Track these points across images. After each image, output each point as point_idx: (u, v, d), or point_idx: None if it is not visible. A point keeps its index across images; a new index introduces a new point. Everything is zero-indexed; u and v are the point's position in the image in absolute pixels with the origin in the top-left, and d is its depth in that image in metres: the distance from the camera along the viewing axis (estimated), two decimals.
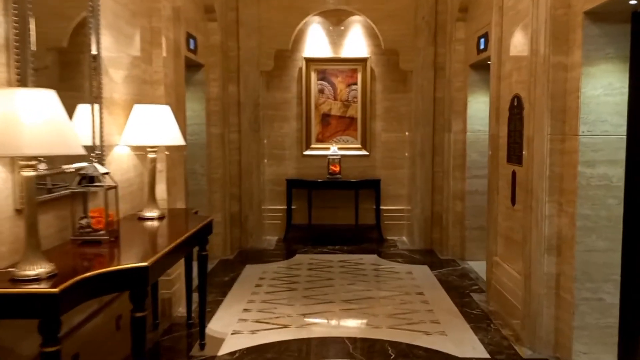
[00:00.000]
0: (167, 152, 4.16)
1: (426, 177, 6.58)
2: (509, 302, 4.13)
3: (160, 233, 3.35)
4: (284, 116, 7.24)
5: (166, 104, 4.15)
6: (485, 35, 5.20)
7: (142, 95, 3.92)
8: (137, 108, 3.49)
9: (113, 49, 3.43)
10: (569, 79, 3.41)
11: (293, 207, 7.23)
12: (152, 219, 3.48)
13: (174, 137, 3.55)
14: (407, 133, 7.07)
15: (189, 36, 5.21)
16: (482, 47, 5.32)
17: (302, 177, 7.11)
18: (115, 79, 3.46)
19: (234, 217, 6.62)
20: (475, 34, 5.58)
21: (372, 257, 6.22)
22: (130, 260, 2.46)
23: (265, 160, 7.15)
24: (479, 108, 5.88)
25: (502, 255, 4.44)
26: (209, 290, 4.88)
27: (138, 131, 3.42)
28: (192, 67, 5.74)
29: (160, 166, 4.16)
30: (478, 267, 5.71)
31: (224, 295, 4.85)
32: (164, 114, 3.54)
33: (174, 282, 4.33)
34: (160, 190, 4.17)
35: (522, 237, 3.84)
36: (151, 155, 3.54)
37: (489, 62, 5.33)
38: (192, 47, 5.29)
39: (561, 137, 3.46)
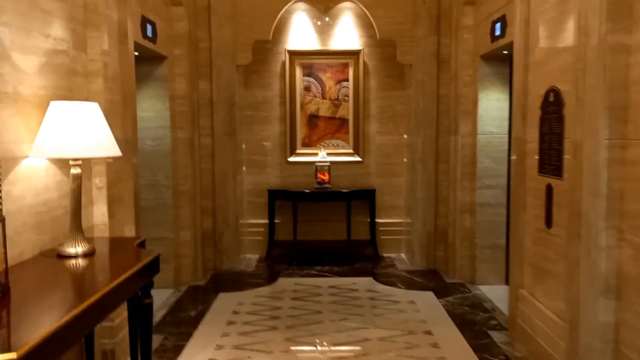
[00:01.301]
0: (110, 160, 3.26)
1: (428, 187, 5.72)
2: (544, 351, 3.26)
3: (75, 284, 2.42)
4: (265, 117, 6.35)
5: (106, 101, 3.24)
6: (502, 19, 4.34)
7: (70, 90, 3.01)
8: (55, 106, 2.57)
9: (18, 26, 2.51)
10: (633, 64, 2.55)
11: (276, 221, 6.34)
12: (75, 256, 2.57)
13: (103, 145, 2.64)
14: (405, 136, 6.20)
15: (145, 20, 4.30)
16: (497, 33, 4.46)
17: (286, 187, 6.21)
18: (23, 68, 2.55)
19: (206, 235, 5.71)
20: (487, 18, 4.72)
21: (367, 281, 5.33)
22: None
23: (244, 169, 6.24)
24: (491, 106, 5.03)
25: (530, 288, 3.57)
26: (170, 331, 4.03)
27: (53, 138, 2.50)
28: (151, 59, 4.84)
29: (100, 181, 3.25)
30: (492, 293, 4.85)
31: (188, 337, 3.94)
32: (91, 114, 2.62)
33: (119, 328, 3.41)
34: (99, 213, 3.27)
35: (566, 271, 2.97)
36: (74, 171, 2.62)
37: (505, 52, 4.49)
38: (149, 34, 4.38)
39: (622, 143, 2.60)
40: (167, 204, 5.00)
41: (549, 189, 3.23)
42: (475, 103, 5.10)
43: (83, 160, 2.81)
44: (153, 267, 2.70)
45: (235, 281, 5.36)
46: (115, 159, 3.24)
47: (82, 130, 2.55)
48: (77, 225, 2.62)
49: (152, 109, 4.94)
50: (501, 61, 4.96)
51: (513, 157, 3.84)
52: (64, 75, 2.93)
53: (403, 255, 6.33)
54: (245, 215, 6.32)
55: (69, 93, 2.99)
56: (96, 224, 3.26)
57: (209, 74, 5.62)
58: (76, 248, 2.59)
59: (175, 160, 5.08)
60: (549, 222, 3.25)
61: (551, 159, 3.19)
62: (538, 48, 3.41)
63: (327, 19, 6.23)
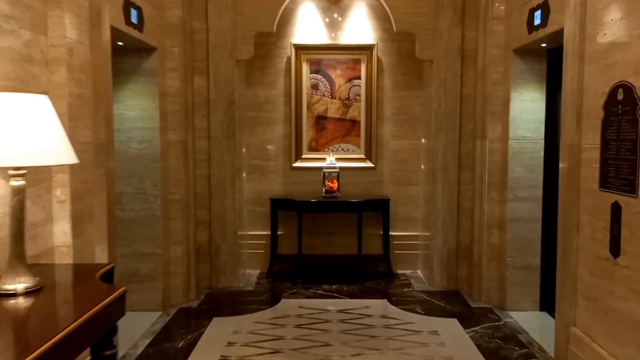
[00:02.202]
0: (75, 163, 2.67)
1: (450, 198, 5.09)
2: None
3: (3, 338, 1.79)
4: (268, 118, 5.74)
5: (72, 95, 2.65)
6: (544, 5, 3.72)
7: (23, 81, 2.41)
8: None
9: None
10: None
11: (279, 232, 5.74)
12: (13, 294, 1.97)
13: (53, 150, 2.03)
14: (423, 140, 5.59)
15: (129, 4, 3.71)
16: (537, 22, 3.84)
17: (291, 196, 5.60)
18: None
19: (201, 249, 5.11)
20: (523, 6, 4.10)
21: (381, 304, 4.71)
22: None
23: (244, 175, 5.64)
24: (525, 108, 4.41)
25: (587, 328, 2.95)
26: None
27: None
28: (138, 50, 4.25)
29: (62, 193, 2.65)
30: (527, 322, 4.23)
31: None
32: (38, 110, 2.02)
33: None
34: (61, 232, 2.67)
35: None
36: (15, 183, 2.02)
37: (543, 45, 3.87)
38: (134, 19, 3.79)
39: None
40: (156, 215, 4.40)
41: (616, 209, 2.61)
42: (506, 104, 4.48)
43: (35, 168, 2.22)
44: (116, 309, 2.08)
45: (232, 302, 4.75)
46: (82, 165, 2.65)
47: (25, 131, 1.95)
48: (18, 252, 2.02)
49: (139, 108, 4.35)
50: (537, 56, 4.34)
51: (562, 166, 3.22)
52: (12, 63, 2.34)
53: (419, 272, 5.71)
54: (246, 226, 5.72)
55: (22, 85, 2.40)
56: (57, 245, 2.67)
57: (205, 69, 5.03)
58: (15, 284, 1.98)
59: (165, 166, 4.48)
60: (615, 249, 2.63)
61: (620, 172, 2.57)
62: (601, 35, 2.79)
63: (337, 11, 5.62)
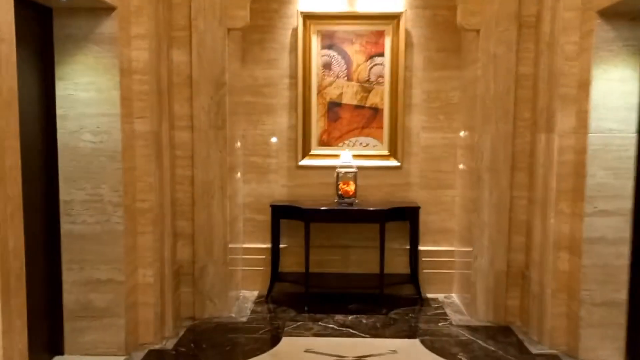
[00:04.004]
0: None
1: (500, 207, 3.97)
2: None
3: None
4: (269, 105, 4.64)
5: None
6: None
7: None
8: None
9: None
10: None
11: (282, 246, 4.66)
12: None
13: None
14: (463, 133, 4.46)
15: None
16: None
17: (297, 202, 4.50)
18: None
19: (181, 270, 4.04)
20: None
21: (412, 347, 3.62)
22: None
23: (238, 175, 4.54)
24: (612, 90, 3.27)
25: None
26: None
27: None
28: (91, 10, 3.15)
29: None
30: None
31: None
32: None
33: None
34: None
35: None
36: None
37: None
38: None
39: None
40: (116, 229, 3.32)
41: None
42: (583, 85, 3.34)
43: None
44: None
45: (218, 342, 3.68)
46: None
47: None
48: None
49: (93, 87, 3.26)
50: (631, 20, 3.20)
51: None
52: None
53: (455, 297, 4.59)
54: (241, 238, 4.64)
55: None
56: None
57: (186, 40, 3.93)
58: None
59: (129, 166, 3.40)
60: None
61: None
62: None
63: None
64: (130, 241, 3.42)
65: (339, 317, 4.09)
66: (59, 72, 3.25)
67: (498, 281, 4.03)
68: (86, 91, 3.26)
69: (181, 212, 4.04)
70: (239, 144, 4.51)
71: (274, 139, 4.65)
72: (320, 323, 3.98)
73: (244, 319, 4.08)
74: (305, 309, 4.25)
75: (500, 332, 3.86)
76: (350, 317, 4.10)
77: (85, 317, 3.34)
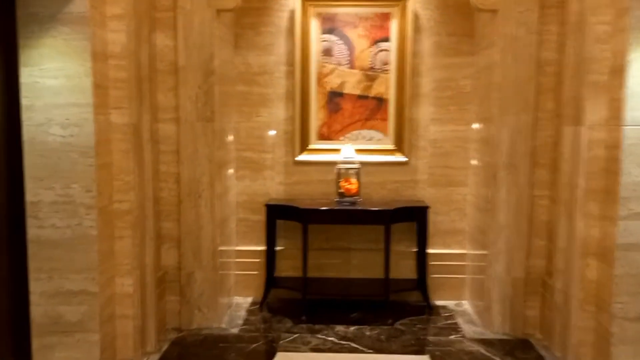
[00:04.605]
0: None
1: (518, 207, 3.59)
2: None
3: None
4: (264, 95, 4.25)
5: None
6: None
7: None
8: None
9: None
10: None
11: (278, 248, 4.29)
12: None
13: None
14: (476, 125, 4.06)
15: None
16: None
17: (294, 201, 4.13)
18: None
19: (166, 277, 3.67)
20: None
21: None
22: None
23: (230, 171, 4.16)
24: None
25: None
26: None
27: None
28: None
29: None
30: None
31: None
32: None
33: None
34: None
35: None
36: None
37: None
38: None
39: None
40: (89, 234, 2.94)
41: None
42: (617, 71, 2.94)
43: None
44: None
45: (206, 358, 3.31)
46: None
47: None
48: None
49: (62, 74, 2.87)
50: None
51: None
52: None
53: (466, 304, 4.22)
54: (234, 240, 4.27)
55: None
56: None
57: (171, 22, 3.55)
58: None
59: (104, 162, 3.02)
60: None
61: None
62: None
63: None
64: (105, 247, 3.05)
65: (340, 329, 3.72)
66: (23, 57, 2.85)
67: (516, 289, 3.65)
68: (54, 78, 2.87)
69: (166, 213, 3.67)
70: (230, 137, 4.12)
71: (271, 132, 4.26)
72: (319, 335, 3.61)
73: (236, 330, 3.71)
74: (303, 318, 3.88)
75: (519, 347, 3.49)
76: (352, 328, 3.73)
77: (55, 332, 2.97)
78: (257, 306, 4.14)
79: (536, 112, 3.54)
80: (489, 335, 3.65)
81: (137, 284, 3.22)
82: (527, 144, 3.55)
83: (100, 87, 2.95)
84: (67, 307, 2.97)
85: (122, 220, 3.15)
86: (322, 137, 4.27)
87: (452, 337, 3.63)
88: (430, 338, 3.61)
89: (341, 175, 4.08)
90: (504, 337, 3.62)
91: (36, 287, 2.96)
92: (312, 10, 4.13)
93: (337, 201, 4.06)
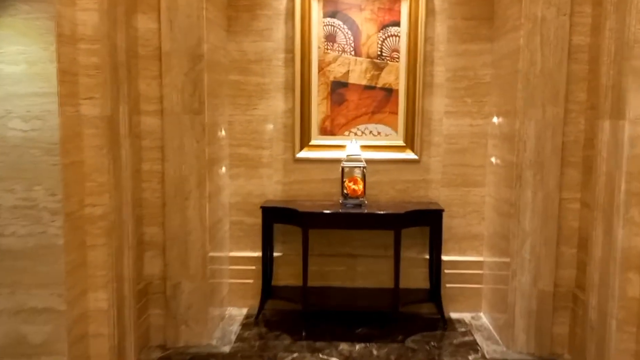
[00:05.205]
0: None
1: (546, 211, 3.18)
2: None
3: None
4: (260, 86, 3.85)
5: None
6: None
7: None
8: None
9: None
10: None
11: (276, 254, 3.90)
12: None
13: None
14: (496, 119, 3.65)
15: None
16: None
17: (293, 203, 3.74)
18: None
19: (151, 287, 3.29)
20: None
21: None
22: None
23: (223, 170, 3.76)
24: None
25: None
26: None
27: None
28: None
29: None
30: None
31: None
32: None
33: None
34: None
35: None
36: None
37: None
38: None
39: None
40: (55, 243, 2.55)
41: None
42: None
43: None
44: None
45: None
46: None
47: None
48: None
49: (23, 59, 2.48)
50: None
51: None
52: None
53: (484, 317, 3.82)
54: (227, 245, 3.88)
55: None
56: None
57: (154, 1, 3.15)
58: None
59: (74, 160, 2.63)
60: None
61: None
62: None
63: None
64: (75, 257, 2.66)
65: (344, 347, 3.33)
66: None
67: (542, 303, 3.25)
68: (14, 64, 2.48)
69: (149, 217, 3.28)
70: (223, 132, 3.72)
71: (270, 126, 3.86)
72: (321, 355, 3.22)
73: (227, 349, 3.32)
74: (303, 333, 3.49)
75: None
76: (357, 347, 3.33)
77: (17, 355, 2.60)
78: (253, 319, 3.75)
79: (566, 104, 3.12)
80: (511, 355, 3.24)
81: (113, 299, 2.83)
82: (556, 140, 3.14)
83: (68, 74, 2.56)
84: (31, 326, 2.59)
85: (95, 227, 2.76)
86: (325, 132, 3.86)
87: (470, 357, 3.22)
88: (446, 358, 3.21)
89: (346, 174, 3.68)
90: (529, 357, 3.21)
91: None
92: None
93: (341, 203, 3.67)
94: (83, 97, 2.68)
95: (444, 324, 3.69)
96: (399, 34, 3.75)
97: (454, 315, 3.85)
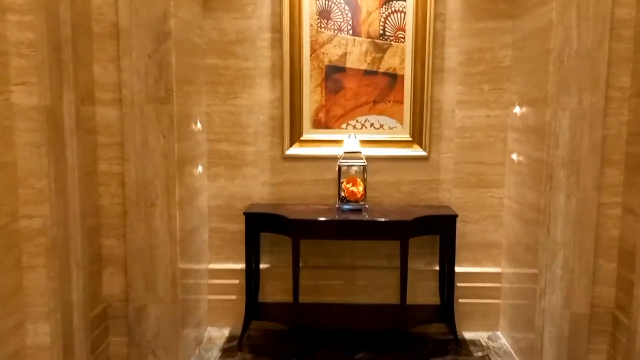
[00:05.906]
0: None
1: (582, 219, 2.66)
2: None
3: None
4: (243, 70, 3.31)
5: None
6: None
7: None
8: None
9: None
10: None
11: (262, 267, 3.38)
12: None
13: None
14: (519, 109, 3.12)
15: None
16: None
17: (282, 209, 3.21)
18: None
19: (109, 311, 2.76)
20: None
21: None
22: None
23: (199, 169, 3.22)
24: None
25: None
26: None
27: None
28: None
29: None
30: None
31: None
32: None
33: None
34: None
35: None
36: None
37: None
38: None
39: None
40: None
41: None
42: None
43: None
44: None
45: None
46: None
47: None
48: None
49: None
50: None
51: None
52: None
53: (502, 337, 3.31)
54: (205, 257, 3.35)
55: None
56: None
57: None
58: None
59: (0, 162, 2.09)
60: None
61: None
62: None
63: None
64: (7, 282, 2.13)
65: None
66: None
67: (576, 327, 2.74)
68: None
69: (108, 227, 2.75)
70: (198, 125, 3.18)
71: (255, 118, 3.33)
72: None
73: None
74: None
75: None
76: None
77: None
78: (235, 342, 3.23)
79: (607, 90, 2.60)
80: None
81: (57, 331, 2.30)
82: (595, 134, 2.61)
83: None
84: None
85: (32, 244, 2.22)
86: (319, 124, 3.33)
87: None
88: None
89: (343, 174, 3.16)
90: None
91: None
92: None
93: (337, 208, 3.15)
94: (14, 82, 2.13)
95: (457, 346, 3.18)
96: (404, 10, 3.21)
97: (467, 335, 3.34)
